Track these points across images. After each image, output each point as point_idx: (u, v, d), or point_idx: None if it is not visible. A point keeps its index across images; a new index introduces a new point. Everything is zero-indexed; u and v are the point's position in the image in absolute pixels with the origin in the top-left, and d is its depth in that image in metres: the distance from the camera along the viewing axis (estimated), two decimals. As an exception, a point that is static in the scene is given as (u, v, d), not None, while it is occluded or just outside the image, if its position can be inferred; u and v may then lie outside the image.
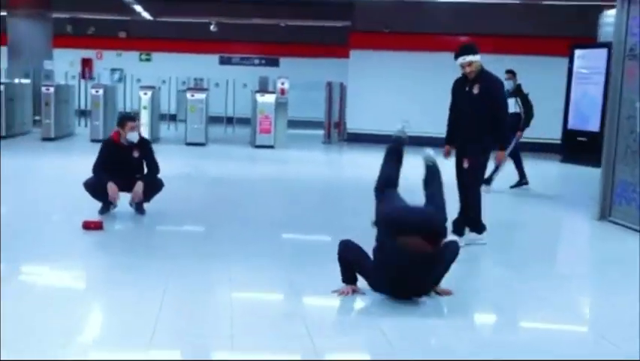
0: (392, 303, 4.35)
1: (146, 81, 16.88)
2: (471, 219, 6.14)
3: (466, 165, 6.10)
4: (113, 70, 21.88)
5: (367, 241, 4.54)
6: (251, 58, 23.03)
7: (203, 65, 21.44)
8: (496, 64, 15.69)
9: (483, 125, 5.96)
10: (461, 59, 6.00)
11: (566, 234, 7.86)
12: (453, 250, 4.62)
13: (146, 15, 19.41)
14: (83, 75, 20.03)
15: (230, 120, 18.26)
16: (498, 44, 15.90)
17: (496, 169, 9.47)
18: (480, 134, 5.98)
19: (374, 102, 16.15)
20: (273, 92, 15.22)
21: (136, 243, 6.13)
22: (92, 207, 6.73)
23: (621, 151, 7.46)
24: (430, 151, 5.33)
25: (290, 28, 21.45)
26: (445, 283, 4.57)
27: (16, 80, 15.35)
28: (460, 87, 6.19)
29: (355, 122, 16.74)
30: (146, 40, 22.58)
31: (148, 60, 23.01)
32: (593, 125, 13.28)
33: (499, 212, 8.30)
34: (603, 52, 12.69)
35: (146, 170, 6.93)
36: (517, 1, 14.97)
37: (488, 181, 9.44)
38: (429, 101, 13.49)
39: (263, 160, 13.12)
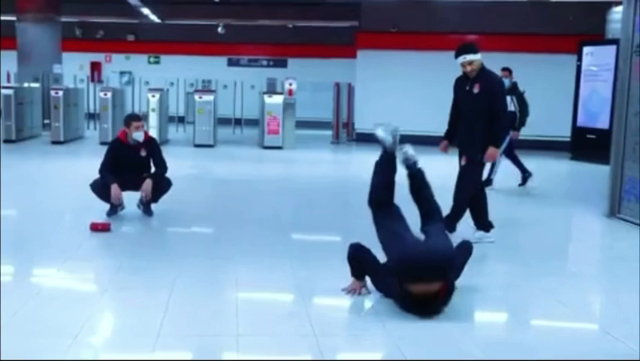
0: (398, 302, 4.34)
1: (154, 84, 16.96)
2: (449, 214, 6.03)
3: (463, 162, 6.10)
4: (122, 73, 22.01)
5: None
6: (259, 59, 23.07)
7: (212, 67, 21.52)
8: (504, 62, 15.73)
9: (483, 124, 5.93)
10: (461, 58, 5.97)
11: (575, 231, 7.82)
12: (466, 250, 4.59)
13: (154, 18, 19.48)
14: (91, 78, 20.12)
15: (238, 122, 18.29)
16: (506, 42, 15.87)
17: (492, 169, 9.45)
18: (480, 134, 5.94)
19: (382, 102, 16.10)
20: (281, 93, 15.26)
21: (143, 244, 6.14)
22: (100, 209, 6.77)
23: (629, 148, 7.42)
24: (408, 149, 4.95)
25: (297, 29, 21.48)
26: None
27: (26, 85, 15.45)
28: (461, 86, 6.17)
29: (363, 122, 16.70)
30: (155, 42, 22.66)
31: (157, 63, 23.08)
32: (603, 123, 13.21)
33: (509, 209, 8.29)
34: (612, 48, 12.61)
35: (153, 169, 6.96)
36: (525, -1, 14.93)
37: (488, 182, 9.41)
38: (437, 100, 13.48)
39: (271, 161, 13.13)
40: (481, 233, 6.18)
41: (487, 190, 9.06)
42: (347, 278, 4.55)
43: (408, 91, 15.82)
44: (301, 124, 16.88)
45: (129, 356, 3.52)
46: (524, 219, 7.79)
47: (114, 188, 6.61)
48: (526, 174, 9.87)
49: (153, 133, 14.12)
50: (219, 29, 20.97)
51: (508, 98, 9.11)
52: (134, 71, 21.32)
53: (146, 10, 18.11)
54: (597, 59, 13.72)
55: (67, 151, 13.31)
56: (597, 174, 10.97)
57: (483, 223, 6.23)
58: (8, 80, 17.47)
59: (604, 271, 5.86)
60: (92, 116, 16.57)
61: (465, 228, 6.25)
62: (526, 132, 15.52)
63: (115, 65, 22.87)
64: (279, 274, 5.08)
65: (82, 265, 5.30)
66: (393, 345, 3.74)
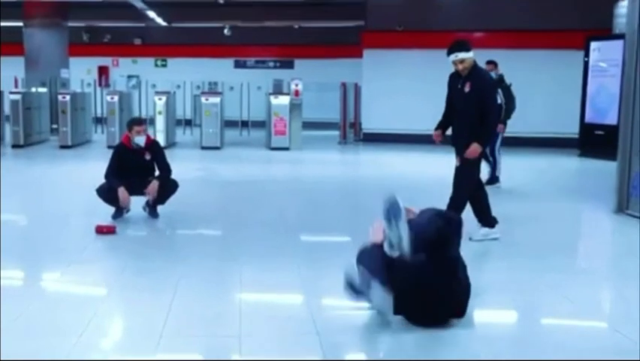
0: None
1: (161, 87, 17.00)
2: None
3: (457, 163, 6.05)
4: (130, 77, 22.08)
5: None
6: (265, 61, 23.08)
7: (219, 69, 21.56)
8: (511, 59, 15.73)
9: (473, 123, 5.87)
10: (453, 56, 5.91)
11: (582, 227, 7.78)
12: (456, 224, 4.35)
13: (161, 21, 19.53)
14: (99, 82, 20.20)
15: (245, 124, 18.29)
16: (513, 39, 15.82)
17: (495, 166, 9.39)
18: (470, 133, 5.88)
19: (389, 101, 16.10)
20: (287, 94, 15.27)
21: (148, 246, 6.15)
22: (106, 212, 6.77)
23: (637, 144, 7.35)
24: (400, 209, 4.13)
25: (303, 30, 21.48)
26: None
27: (33, 90, 15.52)
28: (453, 83, 6.12)
29: (371, 122, 16.70)
30: (162, 46, 22.72)
31: (164, 66, 23.14)
32: (611, 119, 13.10)
33: (516, 206, 8.26)
34: (619, 43, 12.50)
35: (158, 173, 6.96)
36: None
37: (495, 180, 9.36)
38: (444, 99, 13.43)
39: (278, 162, 13.12)
40: (485, 230, 6.15)
41: (495, 188, 9.13)
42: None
43: (414, 90, 15.76)
44: (308, 125, 16.87)
45: (132, 356, 3.52)
46: (531, 215, 7.74)
47: (122, 191, 6.61)
48: (495, 176, 9.63)
49: (160, 136, 14.19)
50: (225, 31, 20.99)
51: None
52: (141, 74, 21.39)
53: (152, 14, 18.16)
54: (604, 54, 13.63)
55: (74, 155, 13.36)
56: (606, 170, 10.87)
57: (487, 220, 6.20)
58: (16, 86, 17.56)
59: (611, 267, 5.81)
60: (99, 120, 16.64)
61: (469, 226, 6.21)
62: (533, 129, 15.68)
63: (122, 68, 22.97)
64: (285, 275, 5.06)
65: (86, 267, 5.30)
66: (398, 345, 3.72)
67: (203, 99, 14.97)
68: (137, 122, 7.14)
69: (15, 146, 13.99)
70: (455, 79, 6.09)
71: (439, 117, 6.36)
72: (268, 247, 6.01)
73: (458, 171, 6.08)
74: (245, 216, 7.47)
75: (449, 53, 5.94)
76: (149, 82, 18.75)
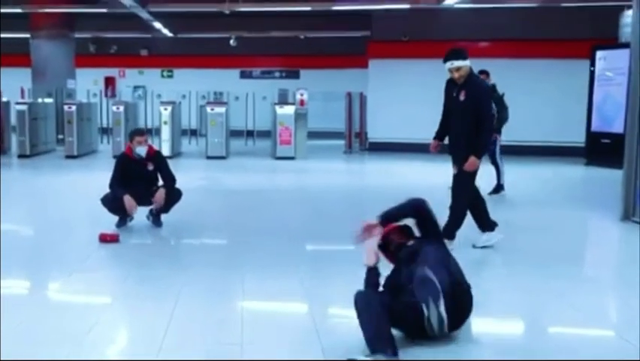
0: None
1: (166, 97, 17.02)
2: (448, 222, 5.93)
3: (455, 171, 6.01)
4: (136, 87, 22.16)
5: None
6: (271, 71, 23.11)
7: (225, 79, 21.62)
8: (517, 69, 15.68)
9: (469, 132, 5.82)
10: (449, 64, 5.87)
11: (588, 235, 7.72)
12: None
13: (167, 32, 19.60)
14: (105, 93, 20.26)
15: (250, 134, 18.29)
16: (519, 49, 15.81)
17: (498, 175, 9.37)
18: (466, 142, 5.83)
19: (394, 111, 16.08)
20: (292, 104, 15.28)
21: (151, 254, 6.13)
22: (110, 221, 6.77)
23: (643, 151, 7.31)
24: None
25: (309, 40, 21.50)
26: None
27: (40, 100, 15.57)
28: (449, 90, 6.08)
29: (376, 132, 16.68)
30: (168, 57, 22.78)
31: (170, 77, 23.21)
32: (618, 127, 13.03)
33: (522, 214, 8.22)
34: (625, 52, 12.42)
35: (162, 182, 6.96)
36: (536, 5, 14.80)
37: (500, 189, 9.33)
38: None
39: (283, 171, 13.10)
40: (487, 235, 6.10)
41: (499, 196, 9.10)
42: (356, 286, 4.40)
43: (420, 99, 15.70)
44: (314, 135, 16.88)
45: (132, 364, 3.50)
46: (538, 223, 7.70)
47: (127, 199, 6.61)
48: (500, 185, 9.60)
49: (166, 146, 14.23)
50: (231, 42, 21.04)
51: None
52: (147, 85, 21.46)
53: (157, 25, 18.21)
54: (610, 62, 13.59)
55: (80, 165, 13.38)
56: (612, 178, 10.80)
57: (487, 224, 6.16)
58: (22, 96, 17.64)
59: (617, 275, 5.76)
60: (105, 131, 16.69)
61: (470, 232, 6.18)
62: (540, 138, 15.64)
63: (129, 79, 23.04)
64: (288, 284, 5.03)
65: (89, 276, 5.28)
66: (400, 350, 3.68)
67: (208, 109, 15.00)
68: (138, 132, 7.16)
69: (21, 156, 14.03)
70: (451, 87, 6.05)
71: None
72: (271, 255, 5.98)
73: (456, 181, 6.02)
74: (249, 225, 7.44)
75: (445, 61, 5.89)
76: (155, 92, 18.80)
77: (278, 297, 4.78)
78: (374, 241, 4.05)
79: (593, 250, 6.92)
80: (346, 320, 4.20)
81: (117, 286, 5.04)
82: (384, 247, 4.11)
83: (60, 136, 15.34)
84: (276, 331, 4.01)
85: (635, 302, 4.61)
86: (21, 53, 18.09)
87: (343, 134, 17.03)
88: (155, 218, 6.97)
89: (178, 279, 5.04)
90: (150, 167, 6.91)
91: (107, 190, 6.82)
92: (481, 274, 5.43)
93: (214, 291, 4.83)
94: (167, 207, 6.92)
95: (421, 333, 3.74)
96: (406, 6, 14.32)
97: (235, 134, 16.57)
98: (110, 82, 23.07)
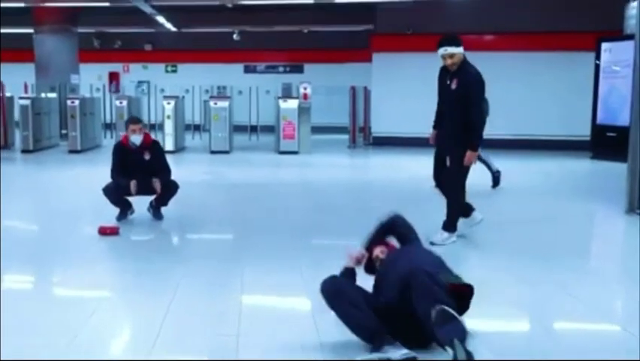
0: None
1: (170, 91, 16.97)
2: (448, 215, 5.92)
3: (448, 163, 5.92)
4: (140, 82, 22.14)
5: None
6: (275, 66, 23.05)
7: (229, 74, 21.55)
8: (521, 61, 15.58)
9: (459, 122, 5.73)
10: (442, 50, 5.77)
11: (592, 227, 7.66)
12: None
13: (170, 26, 19.56)
14: (110, 89, 20.24)
15: (254, 129, 18.25)
16: (523, 42, 15.71)
17: (488, 168, 9.28)
18: (459, 132, 5.74)
19: (399, 105, 16.00)
20: (296, 98, 15.21)
21: (150, 247, 6.11)
22: (111, 214, 6.75)
23: (647, 143, 7.23)
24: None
25: (313, 35, 21.44)
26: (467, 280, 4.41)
27: (43, 95, 15.56)
28: (442, 78, 5.99)
29: (380, 126, 16.60)
30: (172, 51, 22.74)
31: (174, 72, 23.17)
32: (624, 120, 12.93)
33: (527, 207, 8.15)
34: (630, 44, 12.35)
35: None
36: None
37: (497, 177, 9.25)
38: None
39: (287, 165, 13.05)
40: (446, 234, 5.96)
41: (504, 185, 9.06)
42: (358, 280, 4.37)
43: (424, 93, 15.51)
44: (318, 129, 16.81)
45: (127, 356, 3.46)
46: (542, 216, 7.64)
47: (133, 184, 6.59)
48: (495, 173, 9.52)
49: (169, 140, 14.20)
50: (234, 36, 20.99)
51: None
52: (151, 80, 21.42)
53: (161, 19, 18.16)
54: (616, 55, 13.49)
55: (83, 159, 13.35)
56: (618, 171, 10.71)
57: (449, 224, 6.04)
58: (26, 92, 17.62)
59: (621, 267, 5.70)
60: (109, 126, 16.68)
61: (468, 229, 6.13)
62: (544, 132, 15.55)
63: (133, 74, 23.02)
64: (287, 277, 4.98)
65: (87, 268, 5.24)
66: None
67: (211, 103, 14.95)
68: (133, 121, 7.03)
69: (25, 151, 14.02)
70: (444, 75, 5.96)
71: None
72: (273, 248, 5.93)
73: (450, 171, 5.93)
74: (251, 219, 7.40)
75: (439, 47, 5.80)
76: (159, 87, 18.78)
77: (277, 290, 4.73)
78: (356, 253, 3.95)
79: (596, 243, 6.88)
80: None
81: (114, 278, 5.02)
82: (372, 269, 3.97)
83: (64, 131, 15.32)
84: (274, 323, 3.97)
85: (638, 295, 4.56)
86: (25, 49, 18.10)
87: (347, 129, 16.96)
88: (156, 211, 6.93)
89: (177, 271, 5.01)
90: (147, 156, 6.81)
91: (108, 181, 6.78)
92: (484, 265, 5.38)
93: (213, 284, 4.78)
94: (164, 199, 6.87)
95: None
96: (410, -2, 14.26)
97: (239, 129, 16.52)
98: (114, 77, 23.05)
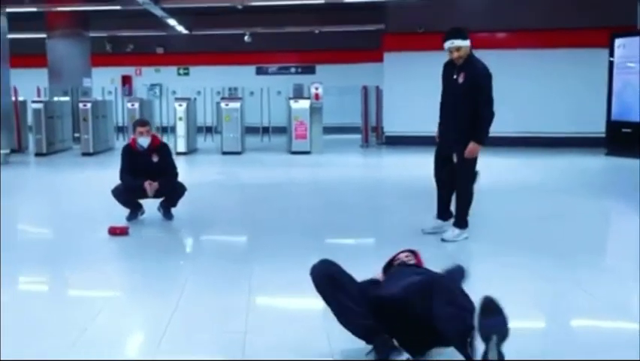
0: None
1: (182, 93, 16.99)
2: (457, 214, 5.85)
3: (455, 159, 5.83)
4: (152, 85, 22.20)
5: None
6: (287, 67, 23.03)
7: (241, 76, 21.56)
8: (534, 59, 15.45)
9: (466, 116, 5.64)
10: (449, 43, 5.69)
11: (608, 224, 7.53)
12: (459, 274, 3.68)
13: (181, 29, 19.61)
14: (123, 92, 20.32)
15: (266, 130, 18.22)
16: (535, 39, 15.58)
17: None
18: (465, 127, 5.65)
19: (411, 104, 15.90)
20: (307, 98, 15.19)
21: (160, 247, 6.07)
22: (121, 215, 6.75)
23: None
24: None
25: (324, 35, 21.40)
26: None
27: (55, 99, 15.63)
28: (448, 73, 5.90)
29: (393, 125, 16.53)
30: (184, 54, 22.81)
31: (186, 74, 23.22)
32: (636, 116, 12.83)
33: (542, 204, 8.05)
34: (644, 39, 12.26)
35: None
36: (554, -7, 14.60)
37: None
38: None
39: (299, 165, 12.99)
40: (457, 231, 5.85)
41: (517, 185, 8.96)
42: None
43: (436, 91, 15.47)
44: (330, 129, 16.77)
45: (133, 355, 3.42)
46: (556, 213, 7.54)
47: (147, 183, 6.57)
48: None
49: (181, 142, 14.21)
50: (246, 38, 21.00)
51: None
52: (163, 83, 21.48)
53: (172, 22, 18.21)
54: (630, 50, 13.34)
55: (95, 162, 13.39)
56: (633, 168, 10.64)
57: (446, 213, 6.06)
58: (38, 96, 17.73)
59: (637, 265, 5.58)
60: (121, 130, 16.73)
61: (475, 220, 6.04)
62: (558, 130, 15.40)
63: (145, 78, 23.10)
64: (297, 276, 4.89)
65: (96, 268, 5.22)
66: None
67: (223, 104, 14.94)
68: (140, 123, 7.01)
69: (38, 154, 14.08)
70: (450, 69, 5.88)
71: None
72: (283, 247, 5.87)
73: (458, 167, 5.82)
74: (262, 219, 7.36)
75: (445, 40, 5.71)
76: (171, 90, 18.80)
77: (287, 289, 4.68)
78: None
79: (612, 240, 6.76)
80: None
81: (123, 278, 4.99)
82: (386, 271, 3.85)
83: (76, 134, 15.38)
84: (283, 322, 3.92)
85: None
86: (38, 54, 18.20)
87: (359, 129, 16.90)
88: (166, 211, 6.90)
89: (185, 271, 4.98)
90: (155, 158, 6.79)
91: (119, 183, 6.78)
92: (497, 261, 5.30)
93: (222, 282, 4.74)
94: (172, 201, 6.85)
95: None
96: (421, -4, 14.18)
97: (250, 131, 16.51)
98: (126, 80, 23.15)
